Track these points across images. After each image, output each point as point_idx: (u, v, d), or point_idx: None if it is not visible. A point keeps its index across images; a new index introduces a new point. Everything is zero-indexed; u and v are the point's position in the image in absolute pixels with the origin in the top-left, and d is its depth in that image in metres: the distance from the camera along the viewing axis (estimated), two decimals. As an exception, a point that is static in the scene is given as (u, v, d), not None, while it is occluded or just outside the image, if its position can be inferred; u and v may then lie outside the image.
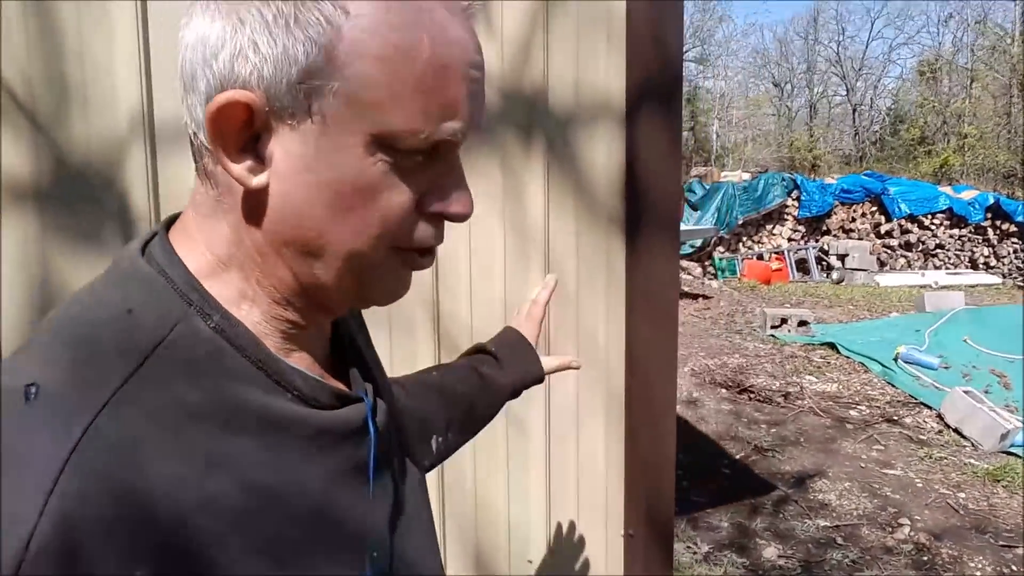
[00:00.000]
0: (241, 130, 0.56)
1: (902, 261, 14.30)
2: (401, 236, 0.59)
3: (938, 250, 14.33)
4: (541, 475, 1.78)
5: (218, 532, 0.53)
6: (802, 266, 13.69)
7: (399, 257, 0.60)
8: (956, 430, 5.44)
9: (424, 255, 0.62)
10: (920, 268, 13.89)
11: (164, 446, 0.52)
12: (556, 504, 1.81)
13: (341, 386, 0.65)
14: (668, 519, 1.88)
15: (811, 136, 31.19)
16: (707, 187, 13.75)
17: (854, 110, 33.13)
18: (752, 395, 6.08)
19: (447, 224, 0.62)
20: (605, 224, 1.75)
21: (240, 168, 0.56)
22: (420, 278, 1.53)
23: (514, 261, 1.69)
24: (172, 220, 0.64)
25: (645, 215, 1.76)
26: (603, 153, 1.72)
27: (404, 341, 1.62)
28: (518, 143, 1.66)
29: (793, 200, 13.86)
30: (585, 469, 1.83)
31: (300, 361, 0.63)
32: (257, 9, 0.54)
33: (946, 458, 5.00)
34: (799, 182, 13.97)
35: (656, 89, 1.73)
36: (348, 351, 0.71)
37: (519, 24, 1.62)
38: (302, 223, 0.58)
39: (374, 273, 0.60)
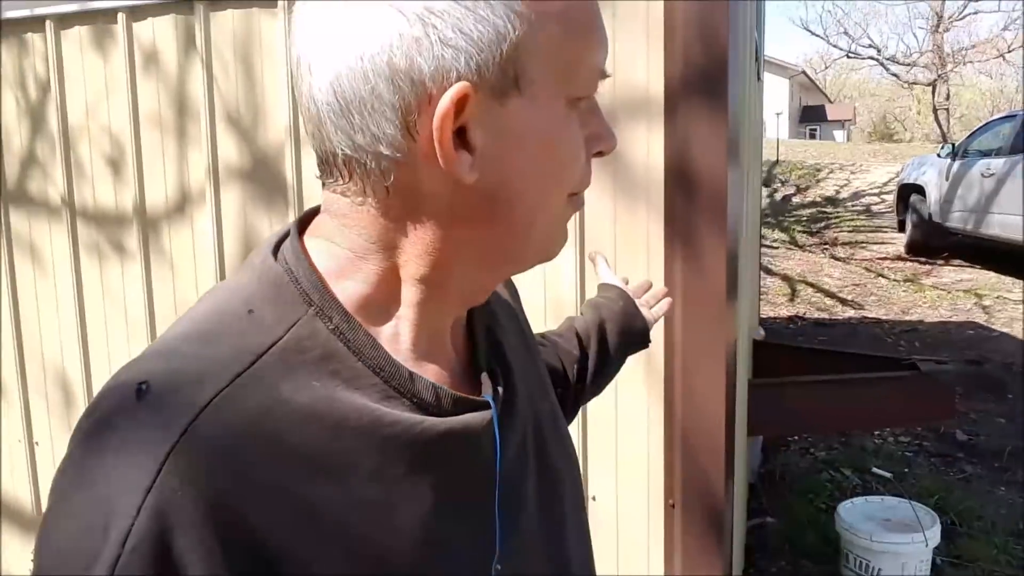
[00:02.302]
0: (453, 123, 0.53)
1: None
2: (577, 182, 0.61)
3: None
4: (575, 434, 1.91)
5: (318, 541, 0.52)
6: None
7: (570, 205, 0.62)
8: None
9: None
10: None
11: (265, 449, 0.51)
12: (594, 471, 1.93)
13: (464, 394, 0.61)
14: (717, 490, 1.87)
15: None
16: None
17: None
18: None
19: None
20: (644, 204, 1.83)
21: (459, 166, 0.54)
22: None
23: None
24: (306, 217, 0.64)
25: (686, 199, 1.81)
26: (642, 146, 1.81)
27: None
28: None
29: None
30: (625, 438, 1.91)
31: (427, 366, 0.61)
32: None
33: None
34: None
35: (699, 83, 1.77)
36: (486, 344, 0.69)
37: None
38: (512, 200, 0.57)
39: (557, 228, 0.62)
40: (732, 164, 1.85)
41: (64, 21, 2.25)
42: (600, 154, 0.62)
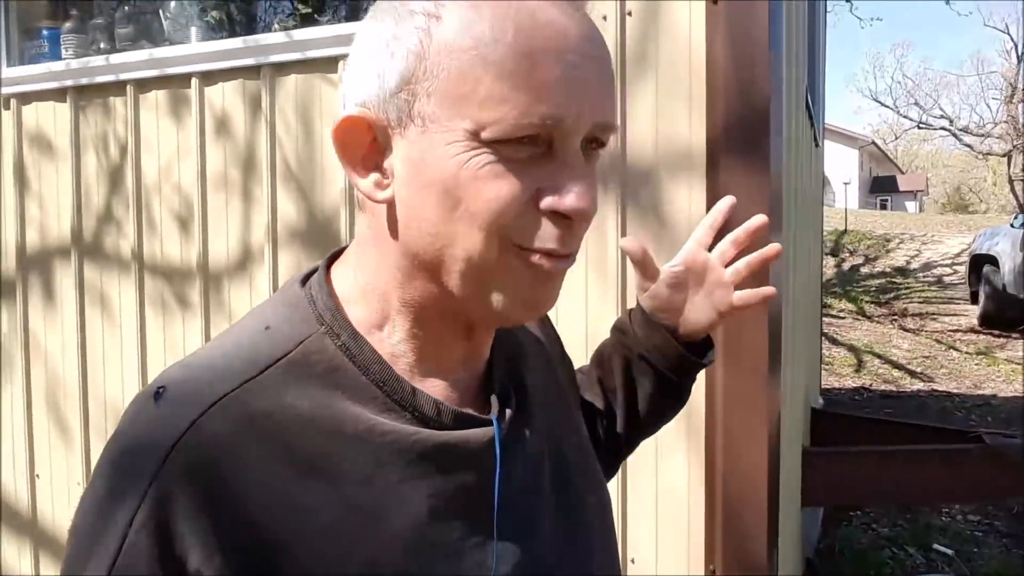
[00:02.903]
0: (367, 148, 0.60)
1: None
2: (517, 233, 0.58)
3: None
4: (615, 486, 1.90)
5: (309, 538, 0.55)
6: None
7: (522, 260, 0.59)
8: None
9: (555, 259, 0.59)
10: None
11: (265, 448, 0.55)
12: (633, 532, 1.90)
13: (467, 410, 0.64)
14: (759, 557, 1.82)
15: None
16: None
17: None
18: None
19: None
20: (685, 267, 1.84)
21: (366, 183, 0.61)
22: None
23: (595, 297, 1.90)
24: (339, 252, 0.69)
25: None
26: (683, 201, 1.84)
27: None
28: (599, 194, 1.89)
29: None
30: (665, 502, 1.89)
31: (433, 384, 0.64)
32: (373, 33, 0.60)
33: None
34: None
35: (740, 138, 1.80)
36: (504, 372, 0.70)
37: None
38: (422, 229, 0.59)
39: (498, 278, 0.59)
40: (774, 224, 1.85)
41: (143, 86, 2.40)
42: (561, 216, 0.58)
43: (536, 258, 0.59)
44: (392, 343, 0.63)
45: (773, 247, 0.94)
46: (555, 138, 0.57)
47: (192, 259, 2.36)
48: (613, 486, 1.89)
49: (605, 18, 1.87)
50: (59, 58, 2.55)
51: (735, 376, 1.83)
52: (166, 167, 2.38)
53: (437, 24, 0.57)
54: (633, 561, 1.92)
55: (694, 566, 1.87)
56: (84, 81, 2.46)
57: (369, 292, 0.64)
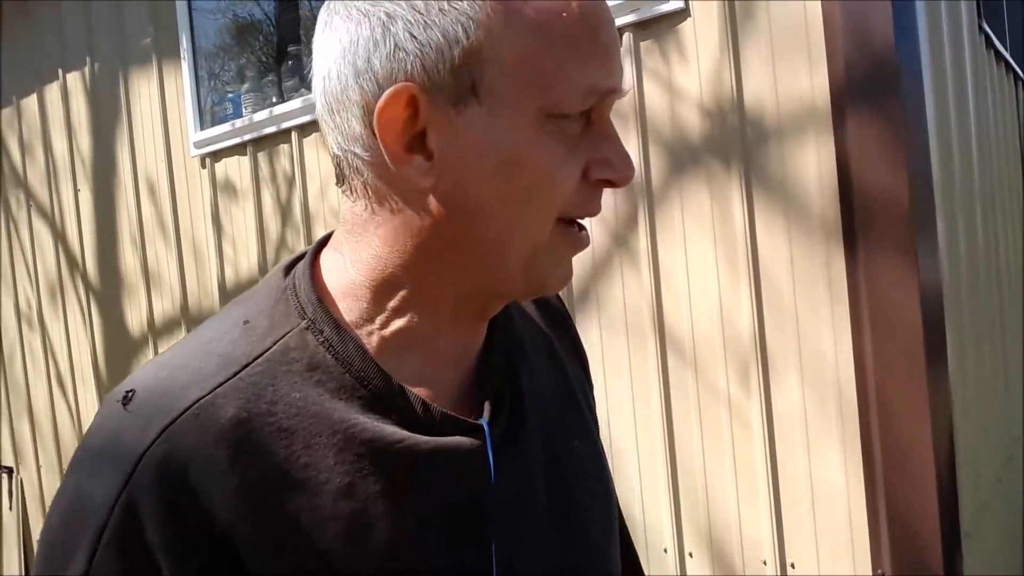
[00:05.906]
0: (406, 128, 0.53)
1: None
2: (569, 206, 0.56)
3: None
4: (764, 480, 1.74)
5: (281, 551, 0.53)
6: None
7: (568, 232, 0.58)
8: None
9: (582, 230, 0.59)
10: None
11: (237, 458, 0.53)
12: (791, 538, 1.73)
13: (454, 413, 0.59)
14: (932, 556, 1.58)
15: None
16: None
17: None
18: None
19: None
20: (820, 231, 1.68)
21: (411, 169, 0.54)
22: (645, 289, 1.88)
23: (725, 271, 1.79)
24: (328, 238, 0.63)
25: (864, 220, 1.63)
26: (812, 159, 1.68)
27: (636, 346, 1.92)
28: (719, 163, 1.78)
29: None
30: (821, 497, 1.70)
31: (420, 383, 0.59)
32: (408, 5, 0.53)
33: None
34: None
35: (865, 86, 1.62)
36: (497, 373, 0.65)
37: (710, 51, 1.79)
38: (479, 214, 0.55)
39: (547, 255, 0.57)
40: (918, 181, 1.64)
41: (304, 130, 2.61)
42: (611, 184, 0.58)
43: (575, 232, 0.59)
44: (383, 337, 0.59)
45: None
46: (599, 107, 0.56)
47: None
48: (763, 485, 1.74)
49: (713, -23, 1.78)
50: (241, 116, 2.83)
51: (886, 358, 1.62)
52: (324, 188, 2.55)
53: None
54: (793, 566, 1.74)
55: (860, 570, 1.66)
56: (255, 134, 2.72)
57: (366, 284, 0.59)
